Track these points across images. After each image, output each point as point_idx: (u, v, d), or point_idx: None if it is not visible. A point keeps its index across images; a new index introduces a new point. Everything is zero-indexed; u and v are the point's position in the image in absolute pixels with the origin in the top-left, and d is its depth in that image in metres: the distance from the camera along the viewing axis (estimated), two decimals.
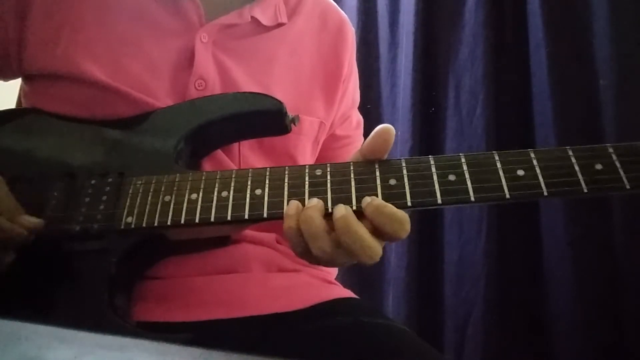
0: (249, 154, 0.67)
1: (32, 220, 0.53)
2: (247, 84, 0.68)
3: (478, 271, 1.23)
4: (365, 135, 0.85)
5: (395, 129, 0.50)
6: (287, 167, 0.52)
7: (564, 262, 1.14)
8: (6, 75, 0.73)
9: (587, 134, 1.15)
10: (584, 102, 1.17)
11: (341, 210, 0.47)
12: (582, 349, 1.10)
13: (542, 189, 0.46)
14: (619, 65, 1.11)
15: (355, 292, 0.71)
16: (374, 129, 0.51)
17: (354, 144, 0.82)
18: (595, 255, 1.12)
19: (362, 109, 0.86)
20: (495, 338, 1.20)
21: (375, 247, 0.46)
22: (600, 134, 1.13)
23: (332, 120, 0.76)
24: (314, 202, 0.48)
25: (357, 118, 0.84)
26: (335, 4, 0.83)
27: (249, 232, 0.66)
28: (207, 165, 0.65)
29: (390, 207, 0.47)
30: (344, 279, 0.78)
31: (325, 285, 0.70)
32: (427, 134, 1.35)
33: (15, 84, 0.75)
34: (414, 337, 0.62)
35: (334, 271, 0.76)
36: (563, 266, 1.14)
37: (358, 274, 1.40)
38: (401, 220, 0.46)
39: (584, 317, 1.11)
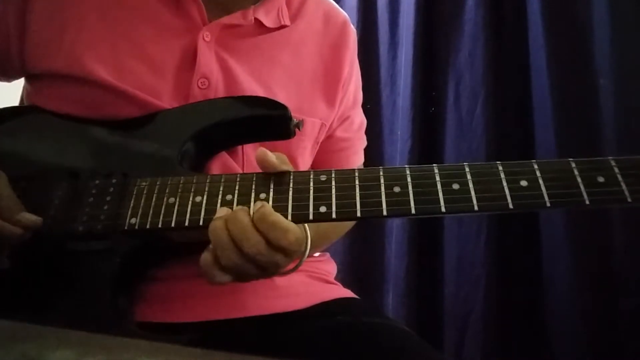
0: (252, 154, 0.67)
1: (29, 218, 0.53)
2: (249, 84, 0.68)
3: (478, 271, 1.23)
4: (365, 135, 0.85)
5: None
6: (291, 172, 0.53)
7: (564, 263, 1.14)
8: (9, 75, 0.72)
9: (586, 134, 1.16)
10: (584, 102, 1.17)
11: (258, 204, 0.50)
12: (582, 349, 1.10)
13: (544, 200, 0.47)
14: (619, 65, 1.12)
15: (355, 292, 0.71)
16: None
17: (354, 147, 0.81)
18: (594, 256, 1.12)
19: (362, 109, 0.86)
20: (495, 338, 1.20)
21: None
22: (599, 133, 1.13)
23: (332, 121, 0.76)
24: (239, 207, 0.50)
25: (360, 119, 0.83)
26: (337, 5, 0.82)
27: None
28: (211, 165, 0.65)
29: (275, 215, 0.48)
30: (344, 279, 0.78)
31: (325, 285, 0.70)
32: (427, 134, 1.35)
33: (18, 84, 0.74)
34: (414, 337, 0.62)
35: (333, 271, 0.76)
36: (563, 266, 1.14)
37: (358, 274, 1.40)
38: (286, 228, 0.48)
39: (583, 317, 1.11)
